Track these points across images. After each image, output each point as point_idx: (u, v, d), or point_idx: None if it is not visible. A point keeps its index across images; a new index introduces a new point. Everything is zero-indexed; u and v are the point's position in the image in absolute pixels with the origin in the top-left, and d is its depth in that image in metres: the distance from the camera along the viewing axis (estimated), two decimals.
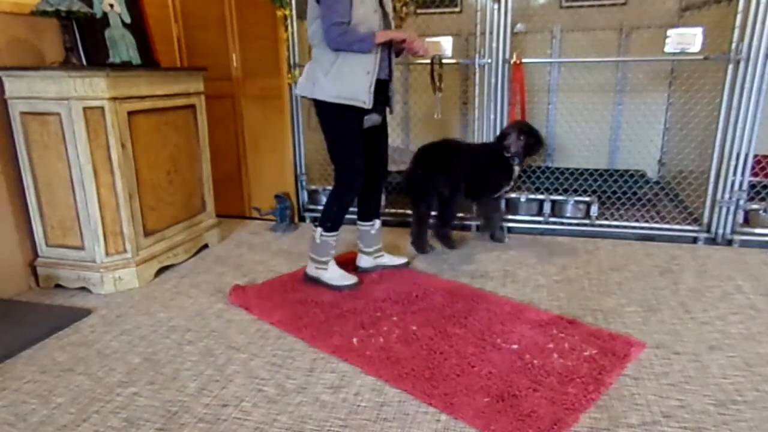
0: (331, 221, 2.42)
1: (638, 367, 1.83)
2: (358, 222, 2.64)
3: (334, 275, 2.46)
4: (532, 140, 2.89)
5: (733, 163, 2.90)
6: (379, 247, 2.70)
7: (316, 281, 2.49)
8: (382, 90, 2.36)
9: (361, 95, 2.22)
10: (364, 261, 2.68)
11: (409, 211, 3.52)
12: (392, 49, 2.35)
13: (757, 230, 2.96)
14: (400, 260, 2.74)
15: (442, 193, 2.88)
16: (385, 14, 2.30)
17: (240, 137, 3.57)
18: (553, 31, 4.02)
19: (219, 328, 2.17)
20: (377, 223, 2.64)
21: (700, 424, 1.54)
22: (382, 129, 2.50)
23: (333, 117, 2.29)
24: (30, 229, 2.55)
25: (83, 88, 2.30)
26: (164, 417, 1.62)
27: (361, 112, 2.28)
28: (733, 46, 2.79)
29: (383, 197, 3.49)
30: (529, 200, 3.34)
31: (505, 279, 2.60)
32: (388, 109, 2.48)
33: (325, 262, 2.47)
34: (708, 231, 3.04)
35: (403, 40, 2.28)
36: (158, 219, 2.73)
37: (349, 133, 2.30)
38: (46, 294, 2.52)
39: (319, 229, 2.44)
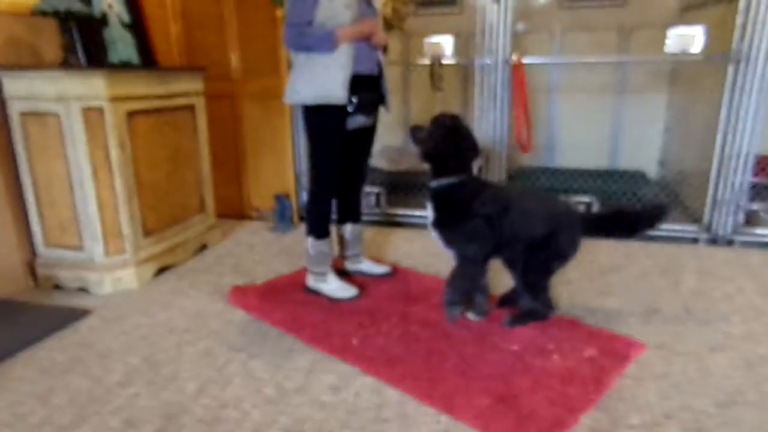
0: (317, 228, 2.34)
1: (639, 367, 1.82)
2: (336, 225, 2.57)
3: (335, 287, 2.38)
4: (422, 134, 2.04)
5: (733, 163, 2.90)
6: (357, 252, 2.62)
7: (316, 293, 2.40)
8: (373, 87, 2.27)
9: (335, 91, 2.10)
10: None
11: (408, 212, 3.53)
12: (370, 42, 2.20)
13: (758, 230, 2.96)
14: (382, 269, 2.64)
15: None
16: (367, 6, 2.18)
17: (239, 137, 3.56)
18: (553, 31, 4.02)
19: (218, 329, 2.16)
20: (349, 226, 2.55)
21: (701, 425, 1.54)
22: (369, 134, 2.41)
23: (314, 119, 2.21)
24: (29, 230, 2.54)
25: (82, 89, 2.29)
26: (163, 418, 1.62)
27: (343, 113, 2.17)
28: (734, 46, 2.79)
29: (383, 197, 3.51)
30: None
31: (505, 279, 2.59)
32: (383, 108, 2.38)
33: (324, 274, 2.39)
34: (708, 231, 3.04)
35: (371, 35, 2.15)
36: (157, 219, 2.72)
37: (329, 135, 2.21)
38: (45, 294, 2.51)
39: (310, 239, 2.35)
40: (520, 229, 2.01)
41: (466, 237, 2.01)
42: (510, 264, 2.09)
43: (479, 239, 2.00)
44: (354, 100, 2.15)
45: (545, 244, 2.00)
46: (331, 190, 2.34)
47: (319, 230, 2.34)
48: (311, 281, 2.43)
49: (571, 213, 2.09)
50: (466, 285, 2.08)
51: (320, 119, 2.20)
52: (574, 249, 2.05)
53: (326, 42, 2.06)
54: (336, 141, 2.23)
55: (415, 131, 2.09)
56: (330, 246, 2.40)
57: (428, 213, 2.08)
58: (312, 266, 2.40)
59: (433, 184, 2.02)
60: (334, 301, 2.35)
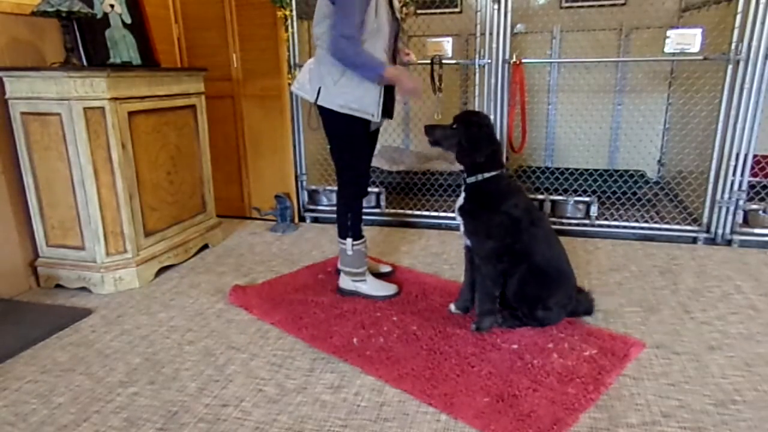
0: (353, 229, 2.35)
1: (638, 367, 1.83)
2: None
3: (373, 286, 2.39)
4: (441, 134, 2.07)
5: (732, 163, 2.91)
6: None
7: (353, 294, 2.39)
8: (389, 94, 2.28)
9: (370, 108, 2.15)
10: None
11: (408, 211, 3.54)
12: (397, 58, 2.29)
13: (757, 230, 2.96)
14: (382, 268, 2.63)
15: None
16: (395, 19, 2.20)
17: (240, 137, 3.57)
18: (553, 31, 4.03)
19: (219, 328, 2.17)
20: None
21: (700, 424, 1.54)
22: (375, 134, 2.44)
23: (339, 124, 2.20)
24: (31, 230, 2.55)
25: (84, 89, 2.30)
26: (164, 417, 1.63)
27: (369, 120, 2.22)
28: (733, 46, 2.80)
29: (383, 197, 3.51)
30: None
31: None
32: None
33: (362, 273, 2.39)
34: (707, 231, 3.04)
35: (407, 90, 2.15)
36: (158, 219, 2.73)
37: (355, 139, 2.25)
38: (47, 294, 2.52)
39: (349, 240, 2.34)
40: (534, 247, 2.01)
41: (488, 230, 2.00)
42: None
43: (499, 236, 1.99)
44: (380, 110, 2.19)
45: (540, 282, 2.02)
46: (363, 190, 2.36)
47: (356, 232, 2.36)
48: (347, 283, 2.41)
49: (571, 282, 2.10)
50: (487, 287, 2.04)
51: (348, 125, 2.20)
52: (559, 309, 2.06)
53: (375, 73, 2.06)
54: (361, 143, 2.28)
55: (433, 130, 2.07)
56: (366, 245, 2.42)
57: (458, 200, 2.09)
58: (351, 267, 2.39)
59: (470, 180, 2.02)
60: (374, 300, 2.35)
